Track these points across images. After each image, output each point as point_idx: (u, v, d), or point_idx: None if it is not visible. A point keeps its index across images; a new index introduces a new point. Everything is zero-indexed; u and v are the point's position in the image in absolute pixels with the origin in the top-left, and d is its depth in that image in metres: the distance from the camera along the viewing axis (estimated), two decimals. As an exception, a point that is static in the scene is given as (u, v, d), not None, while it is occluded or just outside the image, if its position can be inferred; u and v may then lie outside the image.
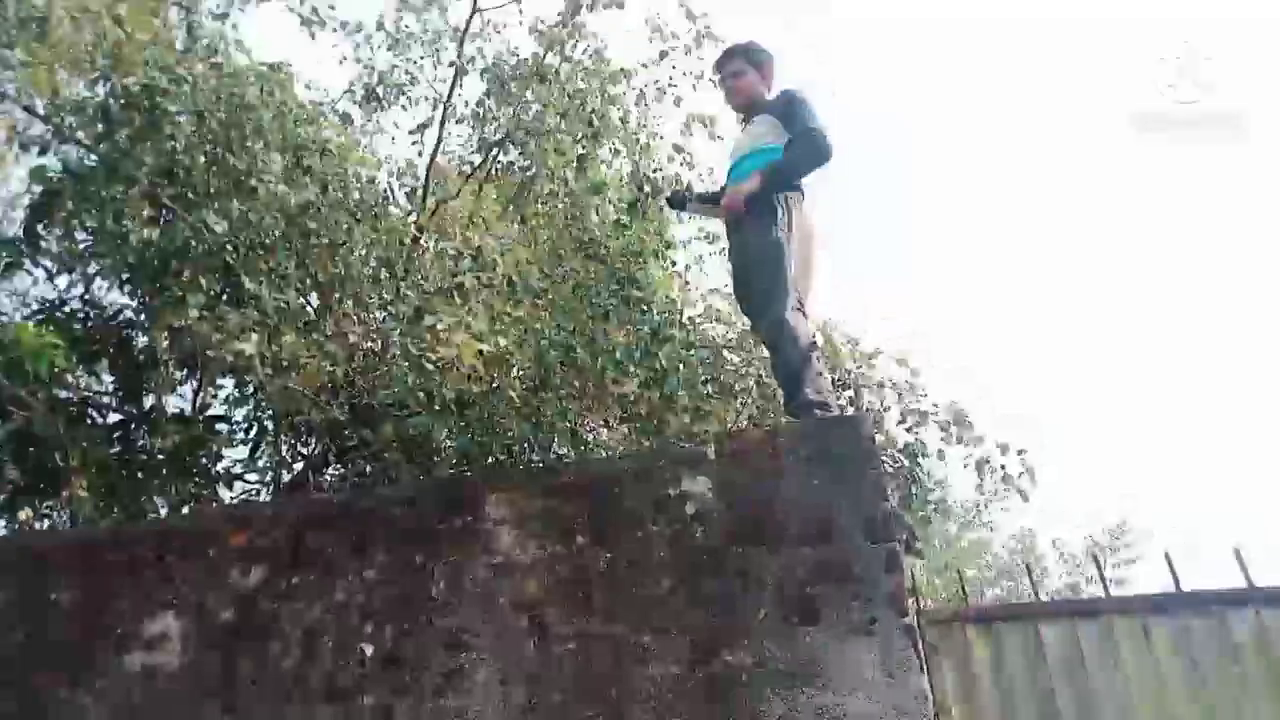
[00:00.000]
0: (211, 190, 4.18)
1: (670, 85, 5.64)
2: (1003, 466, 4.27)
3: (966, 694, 2.99)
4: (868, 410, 4.61)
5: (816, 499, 2.88)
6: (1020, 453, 4.24)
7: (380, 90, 6.21)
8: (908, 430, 4.53)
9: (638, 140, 5.53)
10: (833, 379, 4.91)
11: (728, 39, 5.31)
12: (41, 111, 4.19)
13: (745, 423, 4.50)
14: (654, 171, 5.20)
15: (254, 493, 5.72)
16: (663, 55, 5.42)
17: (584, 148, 5.30)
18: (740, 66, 3.98)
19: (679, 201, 4.37)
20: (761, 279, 3.51)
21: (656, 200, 4.56)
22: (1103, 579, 3.58)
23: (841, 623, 2.68)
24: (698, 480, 3.02)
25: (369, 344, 4.48)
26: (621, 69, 5.49)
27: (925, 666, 2.79)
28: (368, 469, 4.64)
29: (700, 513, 2.96)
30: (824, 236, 3.85)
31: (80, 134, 4.25)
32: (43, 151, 4.34)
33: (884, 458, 4.22)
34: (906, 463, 4.38)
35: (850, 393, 4.83)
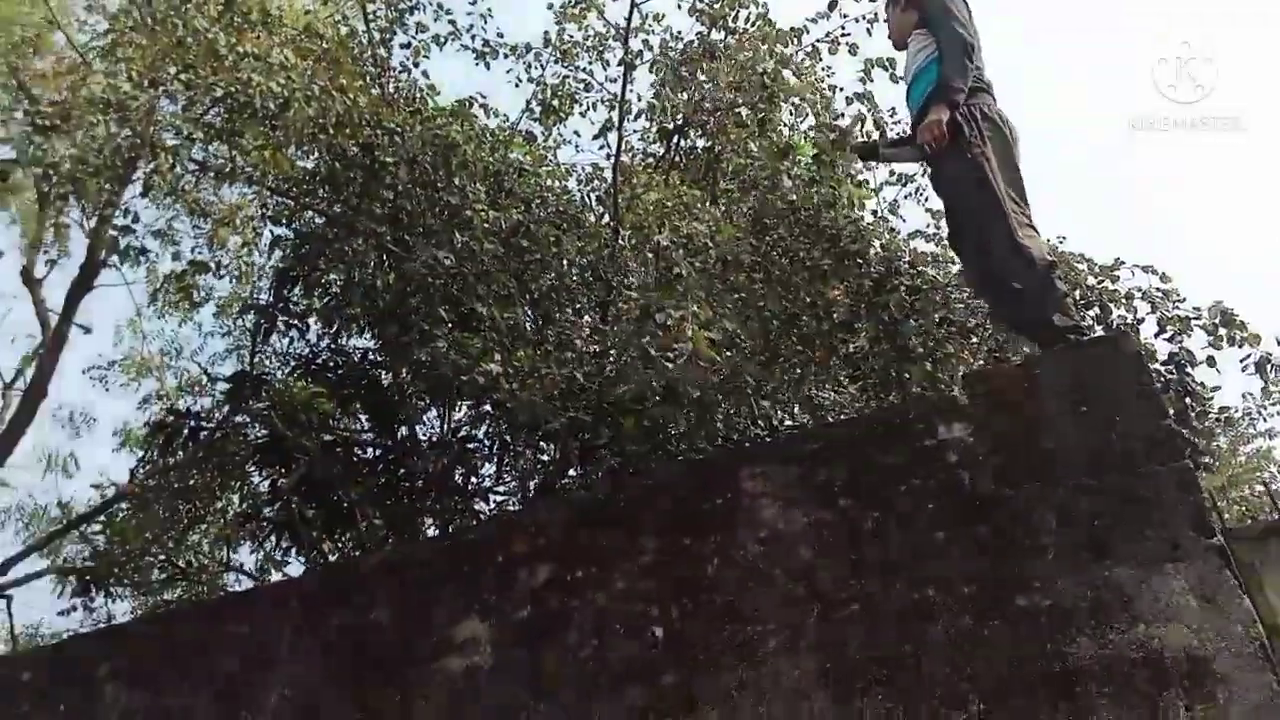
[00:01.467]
0: (431, 228, 4.49)
1: (844, 34, 5.49)
2: (1288, 365, 3.86)
3: (1298, 612, 2.73)
4: (1119, 327, 4.30)
5: (1089, 428, 2.73)
6: (1306, 344, 3.83)
7: (555, 103, 6.41)
8: (1169, 340, 4.17)
9: (818, 95, 5.42)
10: (1074, 298, 4.61)
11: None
12: (279, 188, 4.65)
13: (987, 361, 4.31)
14: (837, 119, 5.07)
15: (506, 503, 6.10)
16: (831, 5, 5.28)
17: (762, 113, 5.24)
18: (889, 18, 3.89)
19: (869, 151, 4.25)
20: (972, 208, 3.34)
21: (843, 149, 4.43)
22: None
23: (1141, 552, 2.52)
24: (954, 427, 2.93)
25: (594, 346, 4.66)
26: (790, 29, 5.40)
27: (1245, 587, 2.59)
28: (614, 463, 4.82)
29: (964, 459, 2.87)
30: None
31: (312, 201, 4.69)
32: (287, 223, 4.82)
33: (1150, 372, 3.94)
34: (1175, 375, 4.04)
35: (1096, 310, 4.52)
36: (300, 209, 4.70)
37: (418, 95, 5.00)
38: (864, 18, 5.30)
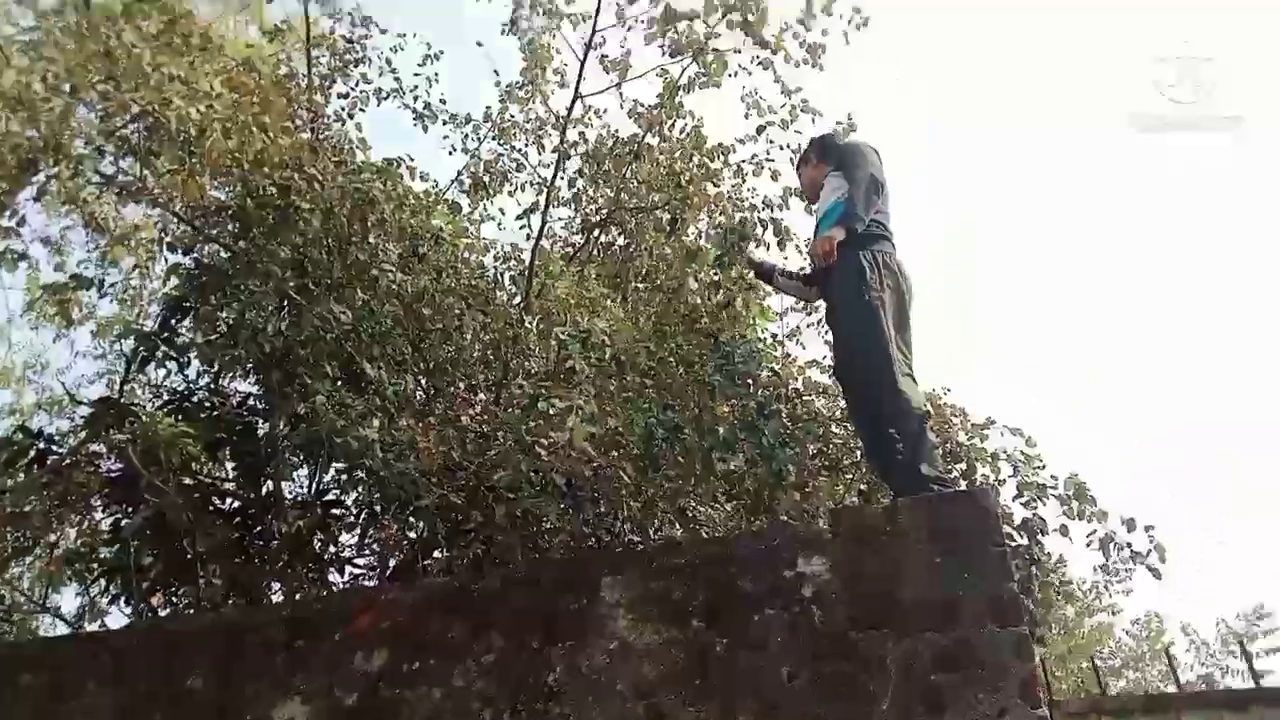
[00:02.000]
0: (336, 281, 4.41)
1: (768, 159, 5.73)
2: (1129, 544, 4.06)
3: (1111, 792, 2.81)
4: (984, 484, 4.47)
5: (939, 580, 2.81)
6: (1148, 529, 4.03)
7: (486, 178, 6.47)
8: (1025, 505, 4.36)
9: (731, 205, 5.59)
10: (944, 450, 4.79)
11: (824, 111, 5.42)
12: (185, 214, 4.52)
13: (855, 499, 4.42)
14: (740, 223, 5.22)
15: (363, 577, 5.86)
16: (760, 130, 5.51)
17: (674, 212, 5.38)
18: (808, 160, 4.15)
19: (766, 273, 4.39)
20: (860, 348, 3.46)
21: (741, 250, 4.51)
22: (1252, 668, 3.36)
23: (970, 714, 2.57)
24: (814, 561, 2.97)
25: (481, 426, 4.59)
26: (719, 145, 5.61)
27: (1064, 762, 2.66)
28: (479, 551, 4.71)
29: (819, 594, 2.91)
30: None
31: (217, 233, 4.56)
32: (187, 251, 4.67)
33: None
34: (1025, 540, 4.20)
35: (963, 465, 4.70)
36: (204, 240, 4.57)
37: (346, 146, 4.98)
38: (788, 146, 5.54)
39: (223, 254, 4.94)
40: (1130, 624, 13.46)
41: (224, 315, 4.56)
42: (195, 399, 5.62)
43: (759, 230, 4.99)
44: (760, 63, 5.25)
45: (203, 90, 3.47)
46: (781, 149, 5.68)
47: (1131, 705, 3.07)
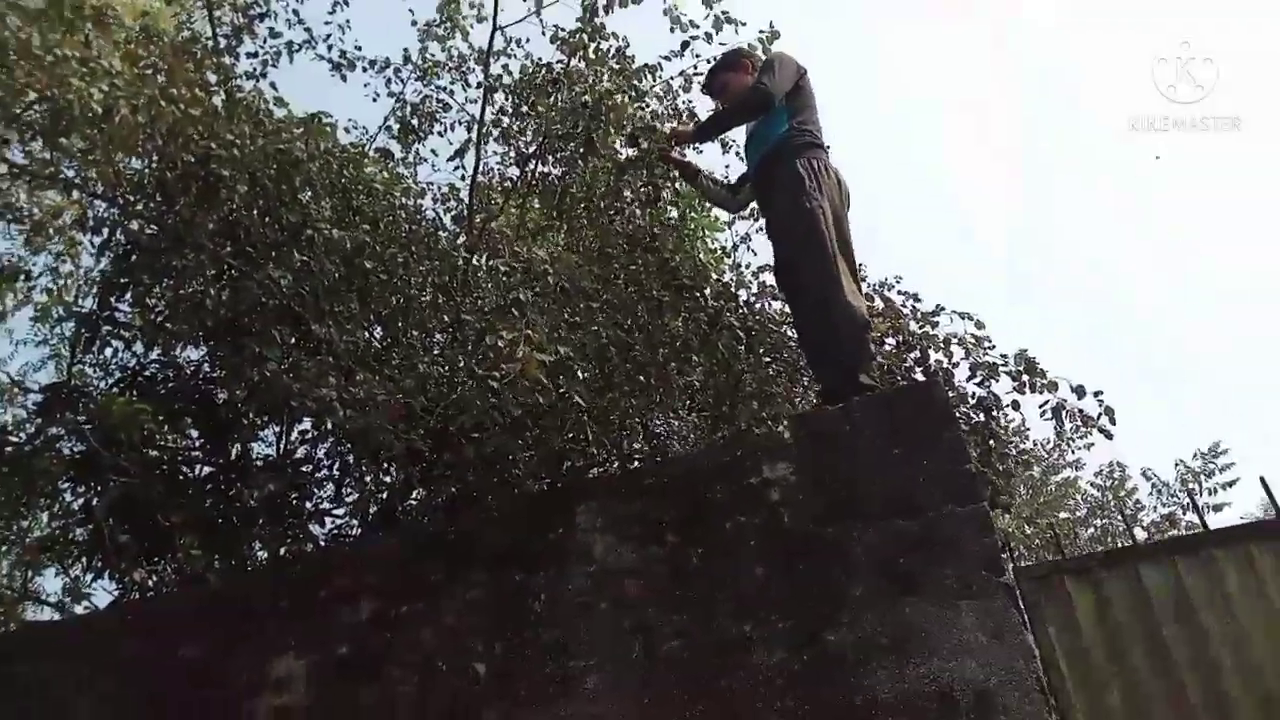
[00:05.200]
0: (270, 244, 4.33)
1: (695, 73, 5.63)
2: (1080, 410, 4.21)
3: (1073, 645, 2.98)
4: (936, 370, 4.59)
5: (899, 470, 2.91)
6: (1098, 394, 4.18)
7: (415, 121, 6.32)
8: (979, 384, 4.49)
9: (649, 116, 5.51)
10: (898, 340, 4.89)
11: (746, 20, 5.32)
12: (105, 194, 4.39)
13: (815, 401, 4.51)
14: (650, 118, 5.14)
15: (345, 526, 5.92)
16: (684, 46, 5.42)
17: (594, 136, 5.30)
18: (721, 80, 4.12)
19: (691, 173, 4.38)
20: (800, 258, 3.49)
21: (663, 142, 4.47)
22: (1198, 511, 3.54)
23: (939, 589, 2.70)
24: (778, 466, 3.06)
25: (438, 369, 4.60)
26: (645, 65, 5.51)
27: (1029, 623, 2.81)
28: (454, 490, 4.76)
29: (785, 497, 3.00)
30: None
31: (143, 209, 4.44)
32: (112, 231, 4.55)
33: (958, 415, 4.21)
34: (981, 417, 4.34)
35: (916, 353, 4.81)
36: (128, 217, 4.45)
37: (262, 106, 4.83)
38: (714, 59, 5.45)
39: (150, 230, 4.82)
40: (1094, 475, 14.00)
41: (160, 291, 4.47)
42: (148, 374, 5.56)
43: (672, 123, 4.95)
44: (676, -29, 5.13)
45: (102, 68, 3.33)
46: (708, 62, 5.60)
47: (1091, 563, 3.22)
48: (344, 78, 6.28)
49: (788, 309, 4.51)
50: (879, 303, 4.91)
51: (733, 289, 4.93)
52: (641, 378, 4.10)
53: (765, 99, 3.73)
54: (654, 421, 4.74)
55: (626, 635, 2.94)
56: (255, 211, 4.35)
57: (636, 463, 4.63)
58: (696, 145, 4.46)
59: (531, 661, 2.97)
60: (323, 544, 5.42)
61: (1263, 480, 3.26)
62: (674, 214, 4.54)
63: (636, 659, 2.89)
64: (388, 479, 5.71)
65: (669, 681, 2.82)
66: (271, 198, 4.30)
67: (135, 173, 4.60)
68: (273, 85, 5.63)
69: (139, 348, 5.47)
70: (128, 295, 5.07)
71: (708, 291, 3.94)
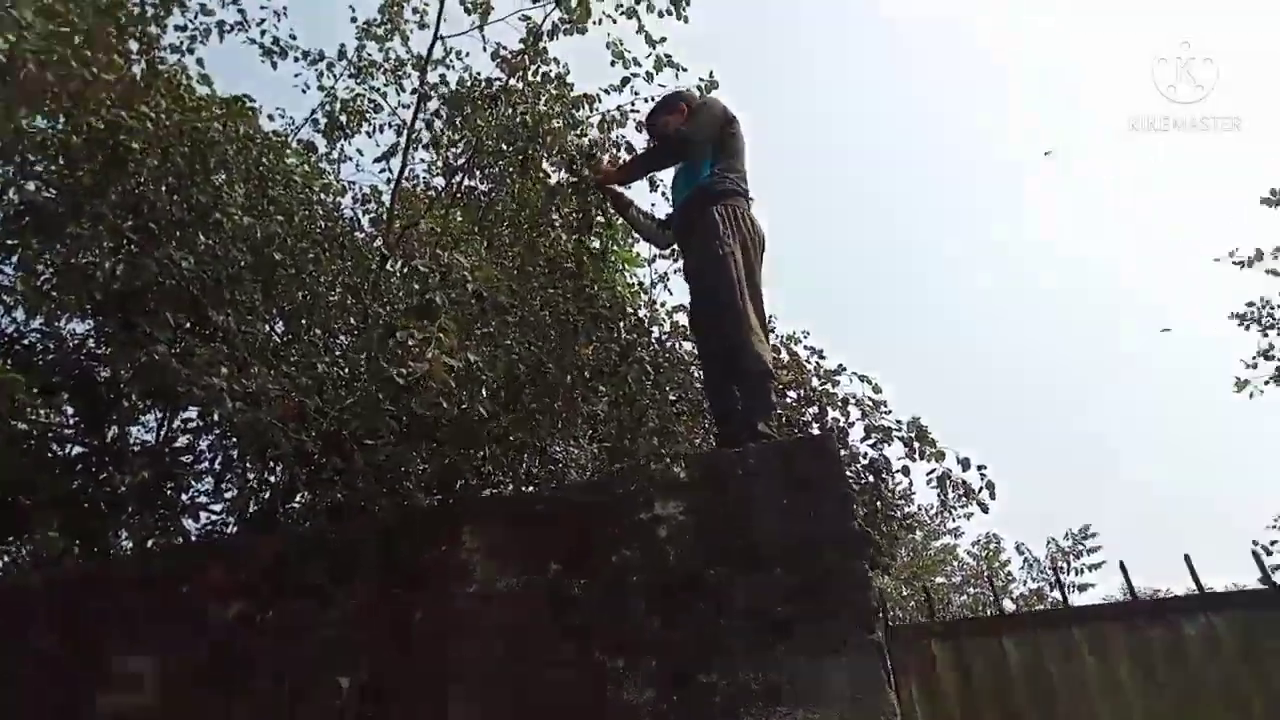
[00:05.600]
0: (176, 224, 4.17)
1: (633, 110, 5.70)
2: (963, 482, 4.37)
3: (934, 708, 3.07)
4: (833, 427, 4.71)
5: (786, 519, 2.96)
6: (981, 468, 4.35)
7: (343, 118, 6.21)
8: (872, 446, 4.63)
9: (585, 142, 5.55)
10: (798, 395, 5.00)
11: (687, 65, 5.42)
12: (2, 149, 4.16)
13: (713, 441, 4.56)
14: (588, 146, 5.16)
15: (220, 523, 5.69)
16: (624, 82, 5.48)
17: (524, 155, 5.31)
18: (661, 121, 4.20)
19: (623, 205, 4.41)
20: (712, 303, 3.55)
21: (593, 169, 4.50)
22: (1062, 590, 3.70)
23: (813, 641, 2.75)
24: (669, 504, 3.08)
25: (337, 370, 4.49)
26: (584, 94, 5.55)
27: (893, 682, 2.88)
28: (340, 497, 4.63)
29: (672, 536, 3.02)
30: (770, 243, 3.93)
31: (41, 170, 4.23)
32: (3, 188, 4.32)
33: (849, 474, 4.32)
34: (871, 478, 4.47)
35: (815, 408, 4.93)
36: (25, 177, 4.23)
37: (183, 81, 4.68)
38: (652, 99, 5.53)
39: (47, 192, 4.59)
40: (971, 544, 14.57)
41: (50, 257, 4.26)
42: (26, 342, 5.28)
43: (609, 153, 5.00)
44: (625, 11, 5.20)
45: (10, 18, 3.16)
46: (646, 101, 5.68)
47: (958, 629, 3.33)
48: (274, 65, 6.14)
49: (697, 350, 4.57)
50: (785, 355, 5.02)
51: (646, 324, 4.97)
52: (547, 399, 4.08)
53: (682, 145, 3.86)
54: (554, 447, 4.72)
55: (502, 661, 2.90)
56: (164, 188, 4.19)
57: (532, 487, 4.60)
58: (621, 185, 4.49)
59: (404, 682, 2.90)
60: (195, 539, 5.19)
61: (1122, 565, 3.44)
62: (596, 244, 4.54)
63: (510, 687, 2.85)
64: (272, 479, 5.52)
65: (541, 712, 2.79)
66: (183, 176, 4.15)
67: (38, 131, 4.39)
68: (199, 62, 5.46)
69: (20, 314, 5.20)
70: (13, 258, 4.81)
71: (622, 324, 3.95)
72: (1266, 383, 10.09)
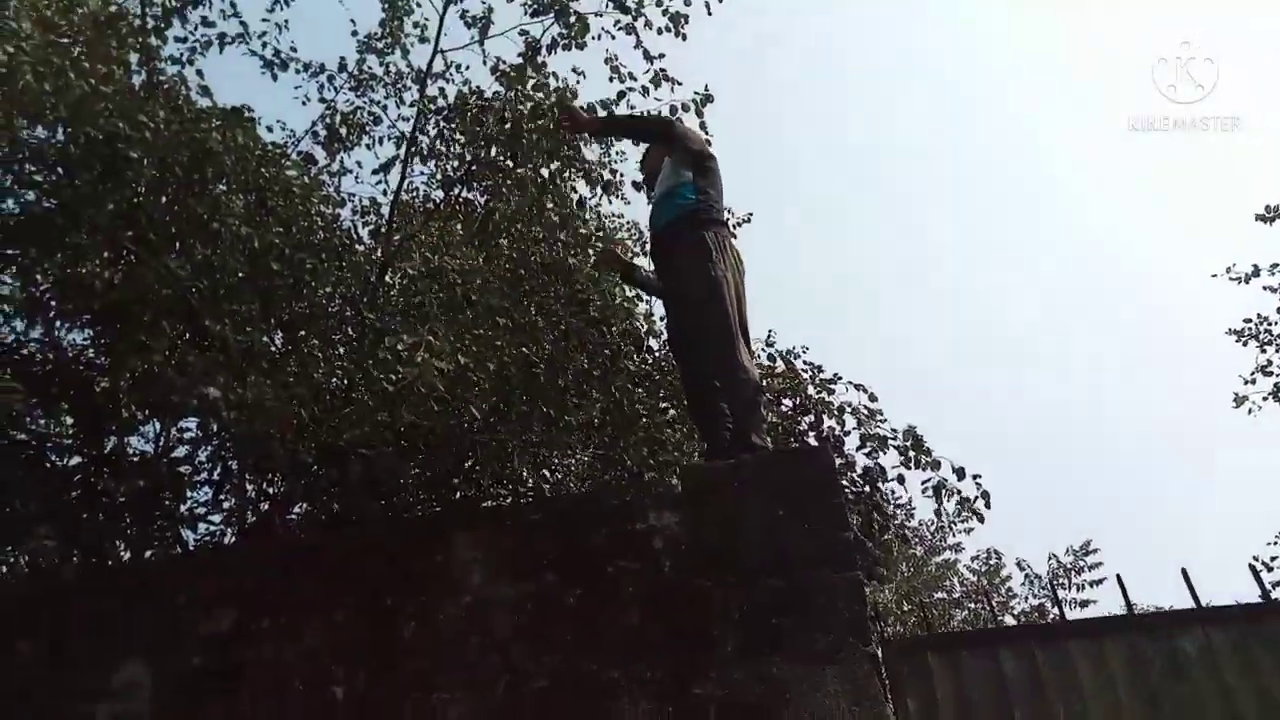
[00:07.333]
0: (174, 234, 4.19)
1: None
2: (959, 491, 4.36)
3: (929, 719, 3.05)
4: (828, 436, 4.70)
5: (780, 530, 2.95)
6: (976, 477, 4.35)
7: (343, 130, 6.24)
8: (867, 455, 4.62)
9: (600, 176, 5.61)
10: (794, 404, 5.01)
11: (683, 80, 5.46)
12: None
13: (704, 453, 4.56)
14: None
15: (218, 534, 5.68)
16: (621, 95, 5.51)
17: (544, 178, 5.35)
18: (658, 152, 4.23)
19: (629, 273, 4.44)
20: (706, 319, 3.57)
21: (607, 268, 4.54)
22: (1058, 604, 3.69)
23: (806, 652, 2.74)
24: (665, 515, 3.08)
25: (334, 381, 4.50)
26: (582, 107, 5.57)
27: (889, 694, 2.86)
28: (335, 507, 4.63)
29: (667, 546, 3.01)
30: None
31: (40, 179, 4.24)
32: (1, 197, 4.33)
33: (845, 483, 4.31)
34: (867, 488, 4.46)
35: (811, 418, 4.93)
36: (24, 186, 4.25)
37: (183, 93, 4.70)
38: (648, 113, 5.55)
39: (45, 202, 4.61)
40: (971, 559, 14.51)
41: (49, 267, 4.27)
42: (25, 352, 5.28)
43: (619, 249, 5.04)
44: (623, 27, 5.24)
45: (9, 29, 3.17)
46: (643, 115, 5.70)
47: (955, 642, 3.32)
48: (275, 77, 6.18)
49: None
50: (780, 364, 5.03)
51: (641, 333, 4.98)
52: (540, 404, 4.08)
53: (667, 129, 4.03)
54: (547, 455, 4.72)
55: (494, 672, 2.89)
56: (163, 199, 4.21)
57: (526, 498, 4.59)
58: (597, 137, 4.56)
59: (395, 691, 2.89)
60: (192, 550, 5.19)
61: (1119, 578, 3.43)
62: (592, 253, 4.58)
63: (502, 697, 2.84)
64: (270, 490, 5.52)
65: (529, 725, 2.77)
66: (181, 186, 4.17)
67: (38, 141, 4.41)
68: (199, 74, 5.49)
69: (19, 323, 5.21)
70: (12, 267, 4.82)
71: (614, 330, 3.95)
72: (1265, 398, 10.09)
